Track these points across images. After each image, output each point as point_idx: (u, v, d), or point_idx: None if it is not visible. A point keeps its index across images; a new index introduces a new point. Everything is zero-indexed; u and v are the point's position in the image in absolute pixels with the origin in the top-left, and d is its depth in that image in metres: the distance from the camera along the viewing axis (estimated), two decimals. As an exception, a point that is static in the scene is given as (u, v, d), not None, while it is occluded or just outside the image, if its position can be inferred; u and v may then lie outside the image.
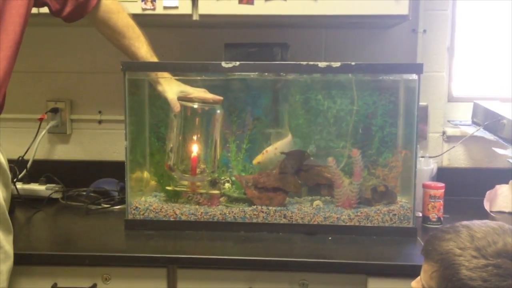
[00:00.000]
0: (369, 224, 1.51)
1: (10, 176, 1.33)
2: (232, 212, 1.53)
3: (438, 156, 1.91)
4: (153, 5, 1.60)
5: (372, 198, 1.54)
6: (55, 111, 1.97)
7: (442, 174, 1.76)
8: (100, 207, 1.76)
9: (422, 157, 1.73)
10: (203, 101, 1.56)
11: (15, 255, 1.29)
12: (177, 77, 1.56)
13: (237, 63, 1.47)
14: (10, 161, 1.35)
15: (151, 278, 1.36)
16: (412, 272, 1.12)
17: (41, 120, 1.92)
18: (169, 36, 1.93)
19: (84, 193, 1.87)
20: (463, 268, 0.85)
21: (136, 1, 1.59)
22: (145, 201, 1.59)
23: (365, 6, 1.58)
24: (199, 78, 1.60)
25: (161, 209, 1.54)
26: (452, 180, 1.71)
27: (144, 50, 1.51)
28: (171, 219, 1.54)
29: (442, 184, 1.59)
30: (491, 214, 1.73)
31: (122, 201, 1.74)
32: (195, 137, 1.60)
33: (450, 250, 0.88)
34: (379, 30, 1.92)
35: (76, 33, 1.96)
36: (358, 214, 1.51)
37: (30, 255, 1.36)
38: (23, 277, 1.37)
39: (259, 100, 1.71)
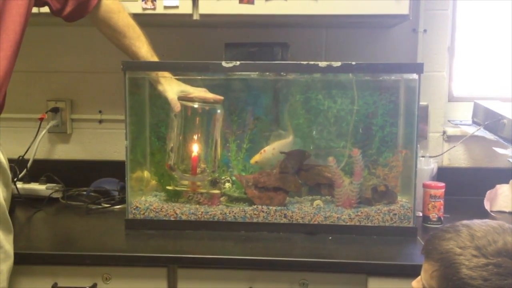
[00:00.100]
0: (369, 224, 1.51)
1: (10, 175, 1.33)
2: (233, 211, 1.53)
3: (438, 155, 1.91)
4: (153, 4, 1.60)
5: (373, 197, 1.54)
6: (55, 110, 1.98)
7: (443, 173, 1.76)
8: (100, 206, 1.76)
9: (422, 156, 1.73)
10: (203, 101, 1.56)
11: (16, 254, 1.29)
12: (177, 77, 1.56)
13: (238, 62, 1.47)
14: (10, 161, 1.35)
15: (151, 277, 1.36)
16: (412, 271, 1.12)
17: (41, 119, 1.92)
18: (170, 35, 1.93)
19: (85, 192, 1.87)
20: (463, 267, 0.85)
21: (136, 1, 1.59)
22: (146, 200, 1.59)
23: (365, 5, 1.58)
24: (199, 77, 1.60)
25: (161, 209, 1.54)
26: (452, 180, 1.71)
27: (144, 50, 1.51)
28: (172, 219, 1.54)
29: (443, 184, 1.59)
30: (492, 213, 1.73)
31: (123, 200, 1.74)
32: (195, 137, 1.60)
33: (451, 250, 0.88)
34: (379, 30, 1.92)
35: (77, 33, 1.96)
36: (359, 213, 1.51)
37: (30, 255, 1.35)
38: (24, 277, 1.37)
39: (259, 100, 1.71)
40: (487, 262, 0.85)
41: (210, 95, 1.56)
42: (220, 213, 1.53)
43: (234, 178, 1.63)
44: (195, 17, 1.61)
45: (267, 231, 1.51)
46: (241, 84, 1.67)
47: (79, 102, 2.01)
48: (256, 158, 1.62)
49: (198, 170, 1.58)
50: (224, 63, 1.47)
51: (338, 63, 1.45)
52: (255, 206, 1.54)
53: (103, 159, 2.01)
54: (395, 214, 1.51)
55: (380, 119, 1.64)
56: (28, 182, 1.84)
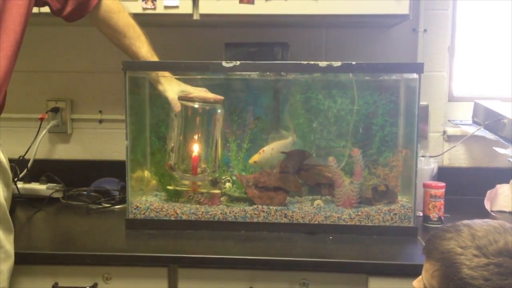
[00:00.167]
0: (369, 224, 1.51)
1: (11, 175, 1.33)
2: (233, 211, 1.53)
3: (438, 155, 1.91)
4: (153, 4, 1.60)
5: (373, 197, 1.55)
6: (55, 110, 1.97)
7: (443, 173, 1.76)
8: (100, 206, 1.76)
9: (422, 156, 1.73)
10: (204, 101, 1.56)
11: (16, 254, 1.29)
12: (177, 77, 1.56)
13: (238, 62, 1.47)
14: (11, 161, 1.35)
15: (152, 277, 1.36)
16: (412, 271, 1.13)
17: (41, 119, 1.92)
18: (170, 35, 1.93)
19: (85, 192, 1.87)
20: (464, 267, 0.85)
21: (136, 1, 1.59)
22: (146, 200, 1.59)
23: (365, 5, 1.58)
24: (199, 77, 1.60)
25: (161, 209, 1.54)
26: (452, 180, 1.71)
27: (144, 50, 1.51)
28: (172, 219, 1.54)
29: (443, 184, 1.59)
30: (492, 213, 1.73)
31: (123, 200, 1.74)
32: (196, 137, 1.60)
33: (451, 249, 0.88)
34: (379, 30, 1.92)
35: (77, 33, 1.96)
36: (359, 213, 1.51)
37: (31, 255, 1.35)
38: (24, 277, 1.37)
39: (259, 100, 1.71)
40: (488, 262, 0.84)
41: (210, 95, 1.56)
42: (221, 213, 1.53)
43: (234, 178, 1.63)
44: (195, 17, 1.61)
45: (267, 231, 1.51)
46: (241, 84, 1.67)
47: (80, 102, 2.01)
48: (255, 158, 1.62)
49: (199, 170, 1.59)
50: (224, 63, 1.47)
51: (338, 63, 1.45)
52: (255, 206, 1.54)
53: (103, 159, 2.01)
54: (396, 214, 1.51)
55: (380, 119, 1.64)
56: (29, 182, 1.84)
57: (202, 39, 1.93)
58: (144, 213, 1.55)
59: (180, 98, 1.53)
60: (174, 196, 1.61)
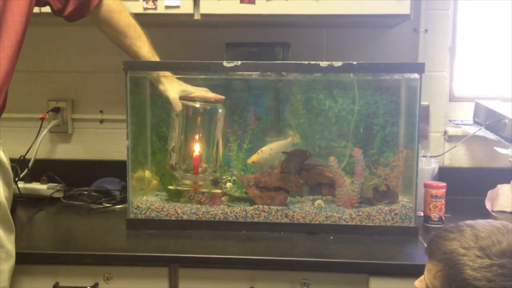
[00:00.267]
0: (370, 224, 1.51)
1: (12, 175, 1.33)
2: (234, 211, 1.53)
3: (439, 155, 1.91)
4: (154, 4, 1.60)
5: (374, 197, 1.54)
6: (56, 110, 1.98)
7: (444, 173, 1.76)
8: (101, 206, 1.76)
9: (423, 156, 1.73)
10: (204, 100, 1.56)
11: (17, 254, 1.29)
12: (178, 76, 1.56)
13: (239, 62, 1.47)
14: (11, 160, 1.35)
15: (152, 277, 1.36)
16: (413, 271, 1.13)
17: (42, 119, 1.92)
18: (171, 35, 1.94)
19: (86, 192, 1.88)
20: (467, 268, 0.85)
21: (137, 1, 1.59)
22: (147, 200, 1.59)
23: (366, 5, 1.58)
24: (200, 77, 1.60)
25: (162, 208, 1.54)
26: (453, 180, 1.71)
27: (145, 50, 1.51)
28: (173, 219, 1.54)
29: (444, 184, 1.59)
30: (493, 213, 1.73)
31: (124, 200, 1.74)
32: (197, 136, 1.60)
33: (454, 250, 0.87)
34: (380, 30, 1.92)
35: (78, 33, 1.96)
36: (360, 213, 1.51)
37: (31, 254, 1.36)
38: (25, 276, 1.37)
39: (260, 100, 1.71)
40: (491, 263, 0.84)
41: (211, 95, 1.56)
42: (221, 213, 1.53)
43: (235, 178, 1.63)
44: (196, 17, 1.61)
45: (268, 230, 1.51)
46: (242, 84, 1.67)
47: (80, 102, 2.01)
48: (253, 158, 1.62)
49: (200, 169, 1.58)
50: (225, 63, 1.47)
51: (339, 63, 1.45)
52: (256, 206, 1.54)
53: (104, 158, 2.01)
54: (396, 214, 1.51)
55: (381, 119, 1.64)
56: (30, 181, 1.84)
57: (203, 39, 1.93)
58: (145, 213, 1.55)
59: (181, 98, 1.53)
60: (175, 196, 1.61)
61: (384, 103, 1.64)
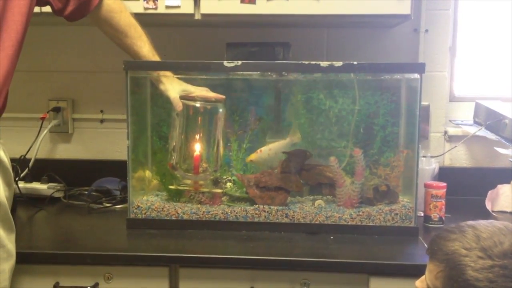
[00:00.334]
0: (370, 224, 1.51)
1: (12, 175, 1.33)
2: (234, 211, 1.53)
3: (439, 155, 1.91)
4: (155, 4, 1.60)
5: (374, 197, 1.54)
6: (57, 110, 1.98)
7: (444, 173, 1.76)
8: (102, 206, 1.76)
9: (424, 156, 1.73)
10: (205, 100, 1.56)
11: (17, 253, 1.29)
12: (179, 76, 1.56)
13: (239, 62, 1.47)
14: (12, 160, 1.35)
15: (153, 277, 1.36)
16: (414, 271, 1.13)
17: (43, 119, 1.92)
18: (171, 35, 1.94)
19: (86, 192, 1.88)
20: (469, 269, 0.85)
21: (138, 0, 1.59)
22: (147, 200, 1.59)
23: (367, 5, 1.58)
24: (201, 77, 1.60)
25: (163, 208, 1.54)
26: (453, 180, 1.71)
27: (146, 49, 1.51)
28: (173, 218, 1.54)
29: (444, 184, 1.59)
30: (493, 214, 1.73)
31: (124, 200, 1.74)
32: (197, 136, 1.60)
33: (456, 251, 0.87)
34: (381, 30, 1.92)
35: (78, 32, 1.96)
36: (360, 213, 1.51)
37: (32, 254, 1.36)
38: (25, 276, 1.37)
39: (261, 100, 1.71)
40: (493, 264, 0.84)
41: (212, 94, 1.56)
42: (222, 213, 1.53)
43: (235, 177, 1.63)
44: (197, 16, 1.61)
45: (268, 230, 1.51)
46: (242, 84, 1.67)
47: (81, 101, 2.01)
48: (252, 157, 1.62)
49: (200, 169, 1.58)
50: (225, 63, 1.47)
51: (340, 63, 1.45)
52: (256, 206, 1.54)
53: (104, 158, 2.01)
54: (397, 214, 1.51)
55: (382, 119, 1.64)
56: (30, 181, 1.84)
57: (203, 39, 1.93)
58: (145, 213, 1.55)
59: (182, 98, 1.53)
60: (175, 195, 1.61)
61: (384, 103, 1.64)
